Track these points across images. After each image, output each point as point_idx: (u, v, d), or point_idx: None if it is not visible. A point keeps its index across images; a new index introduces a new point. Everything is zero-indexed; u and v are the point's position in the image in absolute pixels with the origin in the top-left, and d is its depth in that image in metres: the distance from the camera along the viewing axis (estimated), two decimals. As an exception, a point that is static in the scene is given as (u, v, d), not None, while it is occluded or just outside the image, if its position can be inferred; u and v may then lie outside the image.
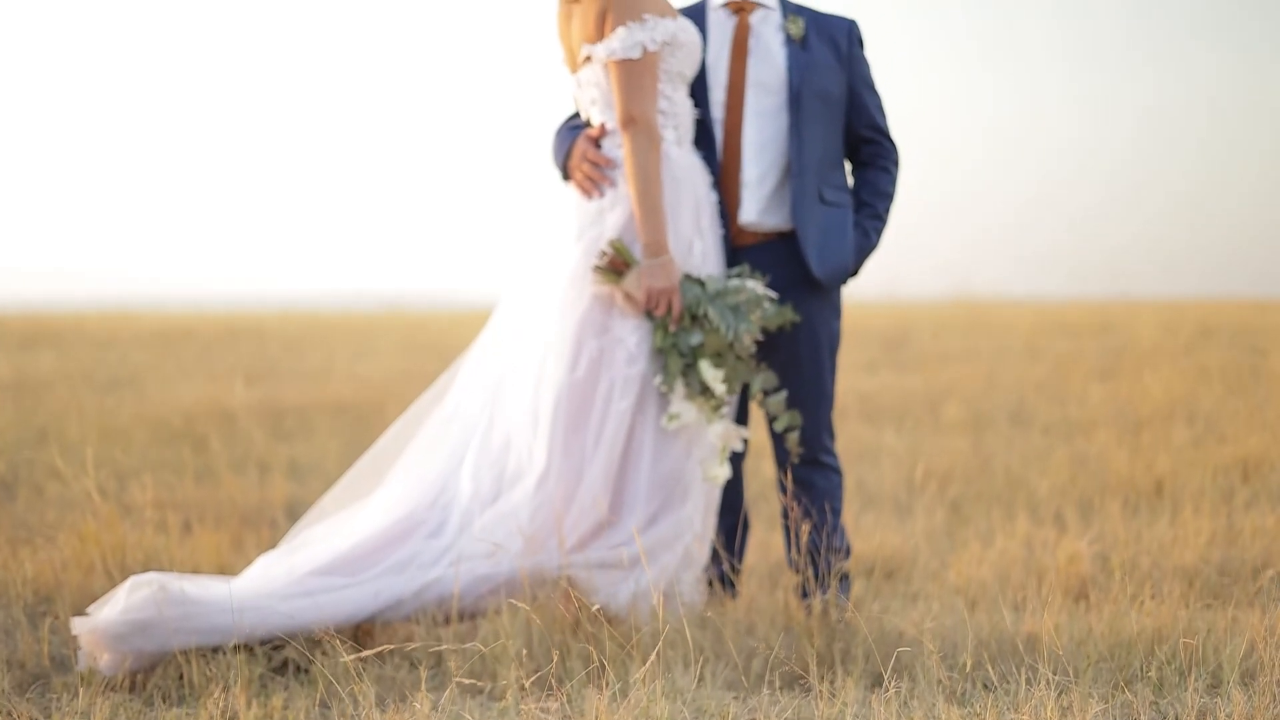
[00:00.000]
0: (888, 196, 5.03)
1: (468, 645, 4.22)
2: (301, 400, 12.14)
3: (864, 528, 6.59)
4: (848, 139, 5.02)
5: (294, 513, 7.39)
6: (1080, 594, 5.48)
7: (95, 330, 21.35)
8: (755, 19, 4.96)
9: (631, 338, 4.62)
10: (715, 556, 4.97)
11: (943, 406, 11.44)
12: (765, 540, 6.53)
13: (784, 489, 4.85)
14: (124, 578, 5.30)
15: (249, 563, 5.65)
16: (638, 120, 4.63)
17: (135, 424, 10.26)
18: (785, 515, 4.86)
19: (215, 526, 6.48)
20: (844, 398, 11.25)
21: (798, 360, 4.89)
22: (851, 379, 12.78)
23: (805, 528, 4.73)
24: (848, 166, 5.09)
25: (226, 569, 5.43)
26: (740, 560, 5.06)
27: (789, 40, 4.93)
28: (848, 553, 4.96)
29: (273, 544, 6.44)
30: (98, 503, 5.61)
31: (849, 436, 9.63)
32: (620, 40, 4.64)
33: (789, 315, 4.77)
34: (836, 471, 4.97)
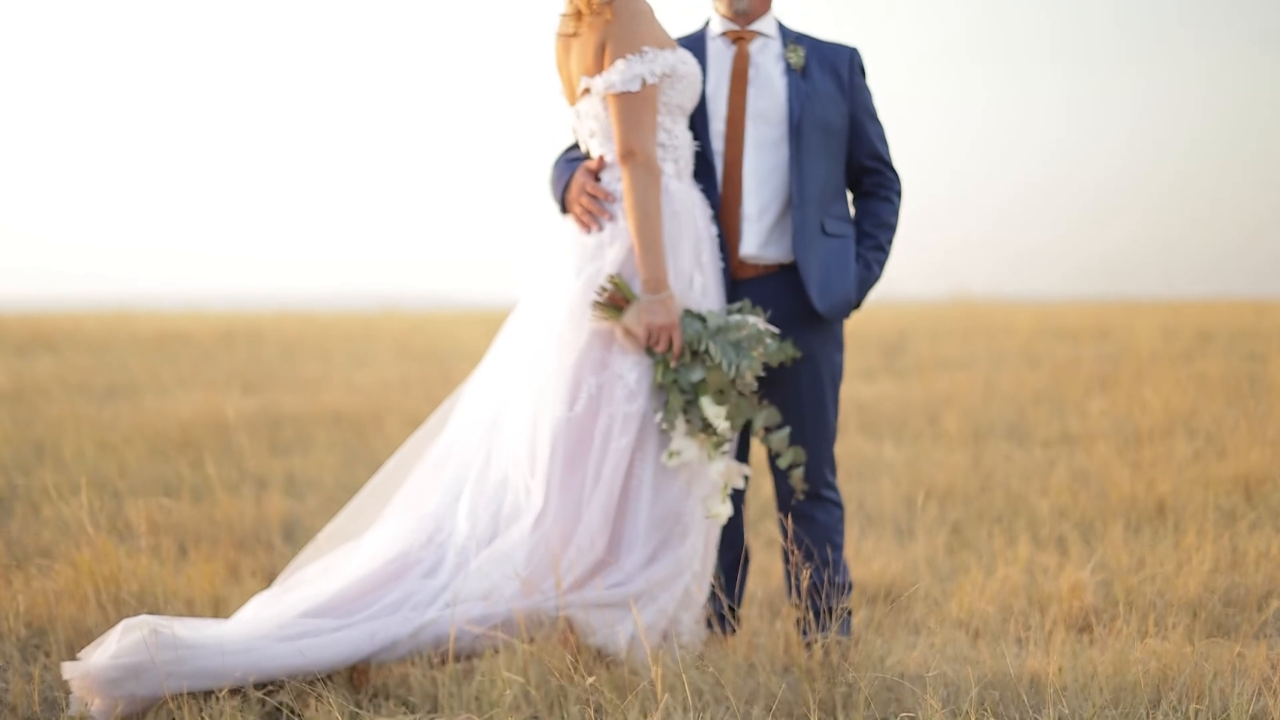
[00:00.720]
0: (890, 227, 4.96)
1: (461, 718, 4.16)
2: (299, 409, 12.12)
3: (865, 552, 6.55)
4: (850, 168, 4.96)
5: (291, 533, 7.34)
6: (1084, 626, 5.44)
7: (93, 333, 21.31)
8: (754, 48, 4.89)
9: (631, 374, 4.56)
10: (714, 593, 4.91)
11: (941, 417, 11.41)
12: (765, 565, 6.48)
13: (785, 531, 4.79)
14: (118, 610, 5.26)
15: (245, 593, 5.60)
16: (637, 154, 4.57)
17: (132, 435, 10.23)
18: (786, 559, 4.80)
19: (211, 549, 6.43)
20: (843, 408, 11.21)
21: (799, 395, 4.83)
22: (850, 387, 12.74)
23: (806, 573, 4.67)
24: (850, 195, 5.03)
25: (222, 601, 5.38)
26: (740, 597, 5.00)
27: (789, 70, 4.86)
28: (849, 589, 4.91)
29: (269, 569, 6.40)
30: (92, 533, 5.55)
31: (848, 450, 9.59)
32: (619, 73, 4.57)
33: (790, 351, 4.71)
34: (838, 505, 4.92)
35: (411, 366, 17.03)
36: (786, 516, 4.83)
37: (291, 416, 11.70)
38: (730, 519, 4.91)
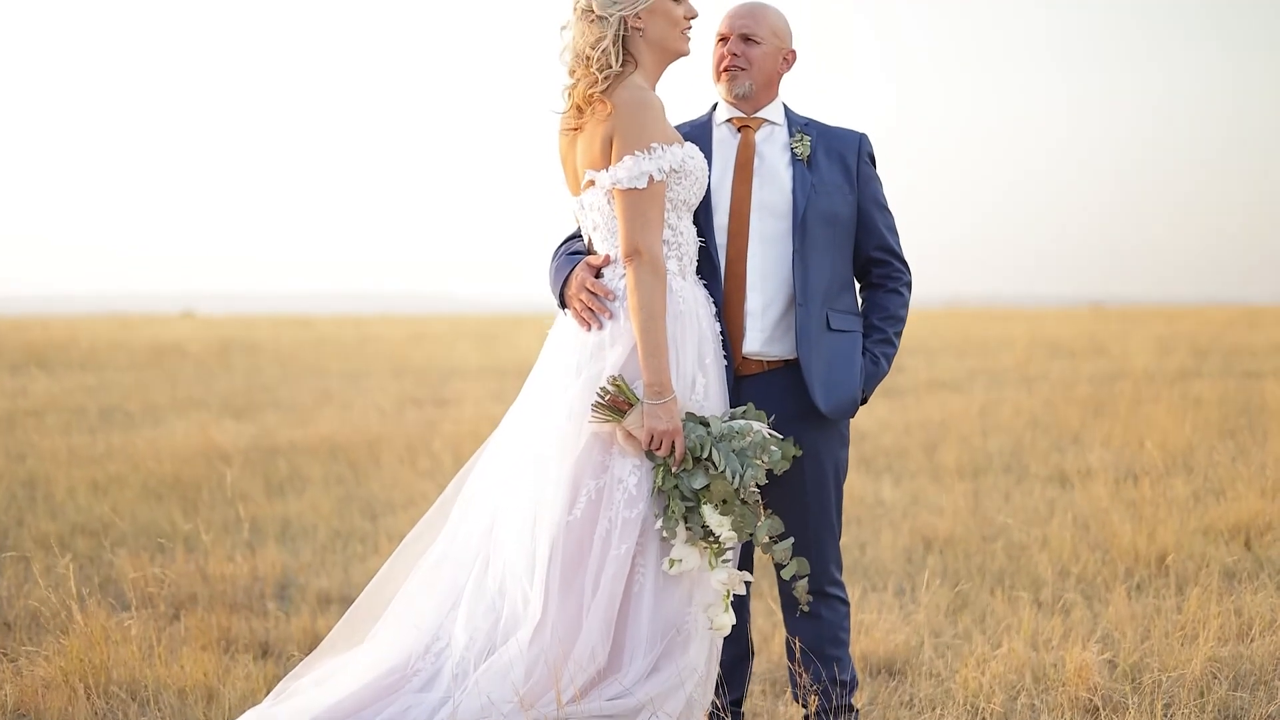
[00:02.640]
0: (899, 320, 4.86)
1: None
2: (294, 440, 12.06)
3: (866, 621, 6.47)
4: (857, 259, 4.85)
5: (284, 592, 7.27)
6: (1091, 710, 5.36)
7: (89, 346, 21.21)
8: (760, 137, 4.79)
9: (631, 478, 4.45)
10: (716, 687, 4.82)
11: (939, 450, 11.36)
12: (766, 632, 6.41)
13: (792, 654, 4.70)
14: (107, 703, 5.17)
15: (238, 675, 5.52)
16: (642, 253, 4.45)
17: (125, 473, 10.16)
18: (794, 682, 4.71)
19: (204, 616, 6.36)
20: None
21: (803, 494, 4.73)
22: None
23: (814, 701, 4.59)
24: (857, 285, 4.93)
25: (214, 693, 5.29)
26: (744, 693, 4.91)
27: (795, 159, 4.75)
28: (854, 686, 4.83)
29: (263, 638, 6.32)
30: (81, 621, 5.46)
31: (847, 492, 9.51)
32: (626, 170, 4.46)
33: (793, 451, 4.59)
34: (844, 602, 4.83)
35: (407, 384, 16.96)
36: (793, 616, 4.75)
37: (286, 449, 11.63)
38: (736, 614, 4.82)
